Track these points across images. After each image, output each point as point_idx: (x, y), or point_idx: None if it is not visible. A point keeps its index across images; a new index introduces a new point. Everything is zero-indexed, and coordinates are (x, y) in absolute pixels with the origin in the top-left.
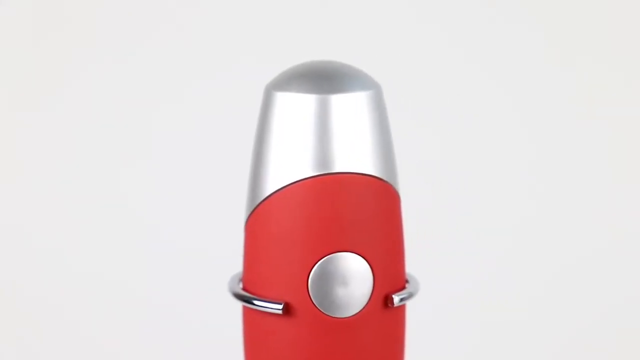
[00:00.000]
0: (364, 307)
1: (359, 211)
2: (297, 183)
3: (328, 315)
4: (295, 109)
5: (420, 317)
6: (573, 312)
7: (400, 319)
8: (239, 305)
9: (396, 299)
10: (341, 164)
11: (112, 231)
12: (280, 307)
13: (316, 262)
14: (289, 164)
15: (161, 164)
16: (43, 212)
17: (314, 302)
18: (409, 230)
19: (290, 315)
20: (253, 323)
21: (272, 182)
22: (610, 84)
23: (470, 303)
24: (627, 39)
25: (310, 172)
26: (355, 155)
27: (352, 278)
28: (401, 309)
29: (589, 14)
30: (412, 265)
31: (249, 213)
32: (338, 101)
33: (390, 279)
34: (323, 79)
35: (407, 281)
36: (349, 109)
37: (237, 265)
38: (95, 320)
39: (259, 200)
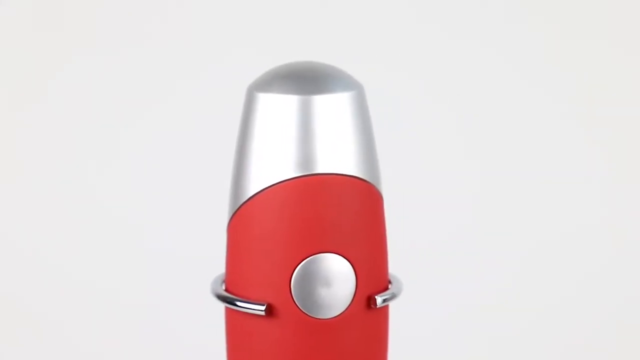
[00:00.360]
0: (346, 308)
1: (341, 212)
2: (279, 184)
3: (311, 316)
4: (278, 109)
5: (403, 318)
6: (561, 312)
7: (383, 320)
8: (221, 306)
9: (379, 299)
10: (324, 165)
11: (95, 232)
12: (263, 308)
13: (299, 263)
14: (272, 165)
15: (144, 165)
16: (22, 212)
17: (296, 303)
18: (392, 231)
19: (272, 316)
20: (236, 324)
21: (255, 183)
22: (597, 84)
23: (454, 303)
24: (628, 39)
25: (292, 173)
26: (337, 156)
27: (335, 279)
28: (384, 309)
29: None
30: (395, 266)
31: (231, 214)
32: (320, 102)
33: (373, 280)
34: (305, 79)
35: (390, 282)
36: (332, 110)
37: (219, 267)
38: (78, 320)
39: (241, 201)
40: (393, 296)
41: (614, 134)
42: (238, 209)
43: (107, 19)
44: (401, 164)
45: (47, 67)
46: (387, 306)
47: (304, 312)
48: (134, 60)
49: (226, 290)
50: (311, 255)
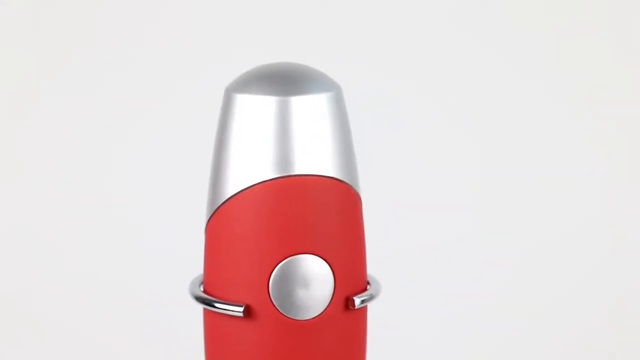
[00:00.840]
0: (324, 309)
1: (319, 213)
2: (257, 185)
3: (289, 318)
4: (255, 110)
5: (381, 319)
6: (537, 312)
7: (361, 321)
8: (200, 307)
9: (357, 300)
10: (302, 166)
11: (72, 232)
12: (241, 309)
13: (277, 264)
14: (250, 166)
15: (121, 167)
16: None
17: (274, 304)
18: (371, 232)
19: (251, 318)
20: (214, 325)
21: (233, 184)
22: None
23: (432, 305)
24: (628, 39)
25: (270, 174)
26: (315, 157)
27: (313, 280)
28: (362, 310)
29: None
30: (374, 267)
31: (209, 215)
32: (298, 103)
33: (351, 281)
34: (283, 80)
35: (368, 283)
36: (309, 111)
37: (198, 268)
38: (58, 320)
39: (219, 202)
40: (371, 297)
41: (614, 133)
42: (216, 210)
43: (104, 20)
44: (379, 165)
45: (46, 67)
46: (365, 307)
47: (282, 313)
48: (120, 62)
49: (204, 291)
50: (289, 257)
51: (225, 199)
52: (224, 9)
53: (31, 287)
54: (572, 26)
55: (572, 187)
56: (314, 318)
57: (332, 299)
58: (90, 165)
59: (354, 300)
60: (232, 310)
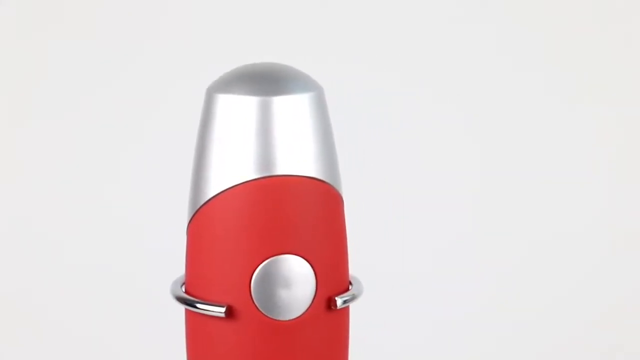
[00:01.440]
0: (306, 310)
1: (301, 213)
2: (239, 186)
3: (271, 318)
4: (237, 111)
5: (364, 319)
6: (520, 313)
7: (343, 321)
8: (181, 308)
9: (339, 301)
10: (283, 167)
11: (57, 232)
12: (223, 310)
13: (259, 265)
14: (231, 167)
15: (102, 167)
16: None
17: (256, 304)
18: (352, 232)
19: (233, 318)
20: (196, 326)
21: (214, 185)
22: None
23: (414, 305)
24: (628, 39)
25: (252, 174)
26: (297, 158)
27: (295, 280)
28: (344, 311)
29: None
30: (356, 267)
31: (191, 215)
32: (280, 103)
33: (333, 281)
34: (265, 81)
35: (350, 283)
36: (291, 111)
37: (180, 268)
38: (45, 320)
39: (201, 203)
40: (353, 297)
41: (614, 133)
42: (197, 210)
43: (100, 21)
44: (361, 165)
45: (46, 67)
46: (347, 308)
47: (264, 314)
48: (102, 63)
49: (186, 292)
50: (271, 257)
51: (206, 200)
52: (205, 9)
53: (26, 286)
54: (572, 26)
55: (571, 187)
56: (295, 318)
57: (314, 299)
58: (72, 166)
59: (335, 301)
60: (214, 311)
